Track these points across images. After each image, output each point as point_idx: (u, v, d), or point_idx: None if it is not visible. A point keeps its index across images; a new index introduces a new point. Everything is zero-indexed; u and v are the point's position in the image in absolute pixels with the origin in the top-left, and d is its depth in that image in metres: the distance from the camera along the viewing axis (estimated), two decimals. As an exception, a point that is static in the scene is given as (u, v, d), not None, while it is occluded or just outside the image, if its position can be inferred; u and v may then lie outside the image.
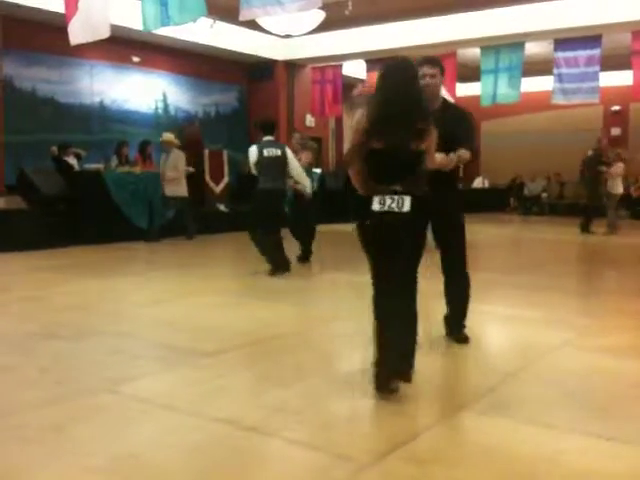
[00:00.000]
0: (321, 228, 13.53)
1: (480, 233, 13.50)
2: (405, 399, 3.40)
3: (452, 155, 4.07)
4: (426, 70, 4.17)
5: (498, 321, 5.52)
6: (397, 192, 3.34)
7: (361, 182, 3.46)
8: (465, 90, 17.11)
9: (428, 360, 4.27)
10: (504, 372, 3.89)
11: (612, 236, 11.90)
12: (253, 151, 7.32)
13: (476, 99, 14.66)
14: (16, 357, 4.18)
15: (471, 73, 16.04)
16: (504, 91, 13.81)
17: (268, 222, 7.29)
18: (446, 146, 3.95)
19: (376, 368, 3.40)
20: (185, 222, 11.18)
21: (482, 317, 5.61)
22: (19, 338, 4.64)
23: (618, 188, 12.42)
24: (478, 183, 20.79)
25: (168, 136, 11.22)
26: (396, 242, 3.42)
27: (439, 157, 3.84)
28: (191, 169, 11.65)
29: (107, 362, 4.09)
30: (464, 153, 4.18)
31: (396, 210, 3.32)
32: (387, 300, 3.43)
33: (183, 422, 3.10)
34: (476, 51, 14.41)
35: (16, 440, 2.87)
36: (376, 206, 3.35)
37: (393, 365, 3.38)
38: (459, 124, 4.30)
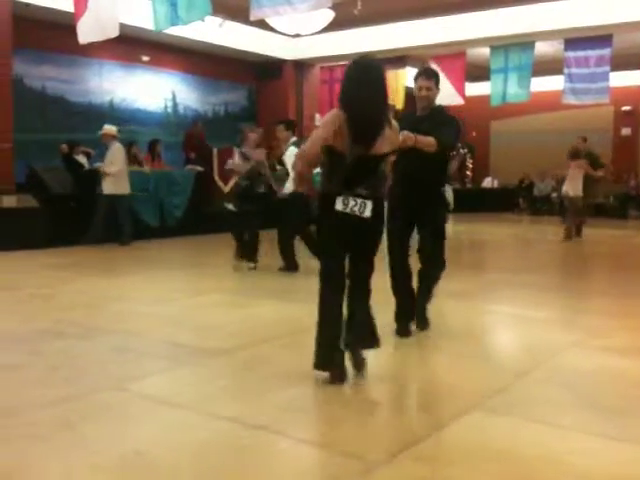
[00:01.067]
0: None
1: (489, 233, 13.46)
2: (415, 398, 3.39)
3: (406, 132, 4.10)
4: (422, 83, 4.46)
5: (507, 321, 5.49)
6: (360, 195, 3.45)
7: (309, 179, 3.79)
8: (475, 90, 17.05)
9: (438, 359, 4.26)
10: (513, 372, 3.87)
11: (569, 241, 11.11)
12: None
13: (486, 99, 14.61)
14: (25, 355, 4.19)
15: (480, 73, 15.97)
16: (514, 91, 13.75)
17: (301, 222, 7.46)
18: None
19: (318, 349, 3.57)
20: (120, 223, 10.14)
21: (491, 317, 5.60)
22: (28, 336, 4.65)
23: (576, 191, 11.21)
24: (487, 183, 20.73)
25: (107, 128, 10.34)
26: (352, 242, 3.58)
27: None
28: (199, 168, 11.64)
29: (115, 360, 4.09)
30: (425, 138, 4.24)
31: (358, 214, 3.46)
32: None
33: (190, 420, 3.09)
34: (485, 50, 14.35)
35: (25, 437, 2.87)
36: (339, 206, 3.47)
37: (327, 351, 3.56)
38: (440, 126, 4.43)
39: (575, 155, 11.19)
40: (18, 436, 2.89)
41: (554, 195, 19.33)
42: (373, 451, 2.75)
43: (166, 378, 3.78)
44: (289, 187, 7.37)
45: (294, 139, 7.74)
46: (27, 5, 10.95)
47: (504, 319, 5.53)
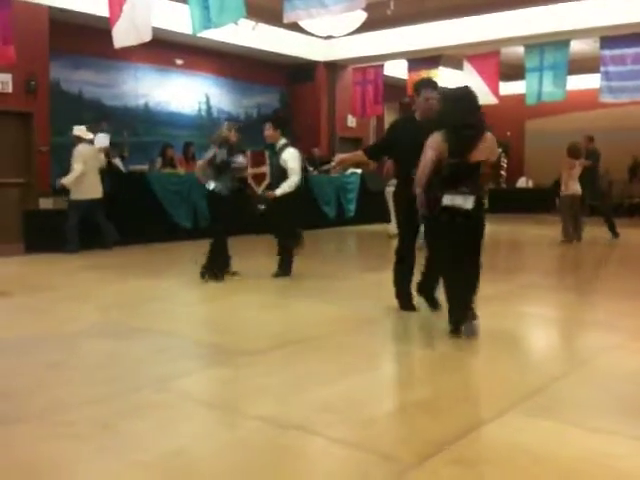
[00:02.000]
0: (360, 228, 13.53)
1: (523, 234, 13.32)
2: (452, 399, 3.38)
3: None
4: (430, 94, 5.06)
5: (542, 323, 5.44)
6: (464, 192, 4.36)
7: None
8: (509, 89, 16.89)
9: (473, 361, 4.24)
10: (550, 374, 3.83)
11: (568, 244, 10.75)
12: (297, 155, 7.29)
13: (520, 98, 14.46)
14: (66, 354, 4.27)
15: (514, 72, 15.82)
16: (549, 89, 13.59)
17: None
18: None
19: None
20: (102, 229, 9.76)
21: (526, 319, 5.55)
22: (69, 336, 4.75)
23: (568, 189, 10.85)
24: (522, 183, 20.50)
25: (77, 129, 9.88)
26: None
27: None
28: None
29: (153, 360, 4.16)
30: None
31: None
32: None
33: (227, 419, 3.13)
34: (520, 49, 14.21)
35: (65, 436, 2.93)
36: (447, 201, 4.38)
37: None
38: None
39: (578, 153, 10.95)
40: (58, 435, 2.95)
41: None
42: (407, 452, 2.75)
43: (204, 377, 3.83)
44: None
45: (284, 141, 7.27)
46: (62, 11, 11.16)
47: (541, 321, 5.48)
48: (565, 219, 11.00)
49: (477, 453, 2.78)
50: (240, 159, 7.38)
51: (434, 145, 4.46)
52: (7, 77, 10.60)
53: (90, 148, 9.87)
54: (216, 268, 6.98)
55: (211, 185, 7.17)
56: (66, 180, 9.51)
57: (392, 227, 8.61)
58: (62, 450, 2.80)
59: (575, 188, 10.83)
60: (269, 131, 7.28)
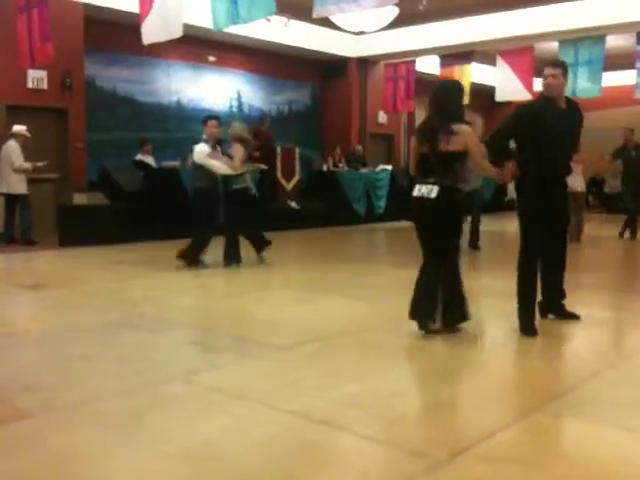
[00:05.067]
0: (389, 225, 13.46)
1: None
2: (482, 397, 3.34)
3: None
4: (548, 71, 4.64)
5: (580, 322, 5.33)
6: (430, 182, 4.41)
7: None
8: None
9: (506, 357, 4.19)
10: (585, 373, 3.77)
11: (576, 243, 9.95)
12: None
13: (554, 94, 14.24)
14: (97, 347, 4.33)
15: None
16: (584, 85, 13.35)
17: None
18: None
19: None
20: (23, 222, 9.98)
21: (557, 320, 5.45)
22: (100, 329, 4.81)
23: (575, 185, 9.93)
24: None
25: (15, 128, 10.11)
26: None
27: None
28: (262, 166, 11.59)
29: (183, 353, 4.19)
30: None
31: None
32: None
33: (256, 413, 3.13)
34: (554, 45, 14.00)
35: (95, 426, 2.97)
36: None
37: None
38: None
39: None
40: (88, 424, 2.99)
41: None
42: (436, 449, 2.72)
43: (233, 371, 3.84)
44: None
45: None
46: (96, 8, 11.28)
47: (580, 320, 5.38)
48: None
49: (507, 451, 2.74)
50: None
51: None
52: (42, 74, 10.76)
53: None
54: (235, 256, 7.49)
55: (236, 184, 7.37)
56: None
57: None
58: (93, 440, 2.83)
59: (575, 185, 9.92)
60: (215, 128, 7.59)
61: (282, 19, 12.79)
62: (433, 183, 4.34)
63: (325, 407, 3.18)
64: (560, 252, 4.81)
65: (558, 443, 2.78)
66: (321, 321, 5.08)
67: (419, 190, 4.40)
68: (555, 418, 3.09)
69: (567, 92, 14.43)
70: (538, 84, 15.29)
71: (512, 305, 4.57)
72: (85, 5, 11.20)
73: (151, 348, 4.33)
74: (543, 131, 4.50)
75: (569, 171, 4.82)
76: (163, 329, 4.79)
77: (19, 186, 9.97)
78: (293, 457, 2.69)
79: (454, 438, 2.86)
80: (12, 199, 10.03)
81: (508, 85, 14.23)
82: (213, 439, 2.81)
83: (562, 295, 4.91)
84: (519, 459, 2.65)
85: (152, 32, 9.16)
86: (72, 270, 7.91)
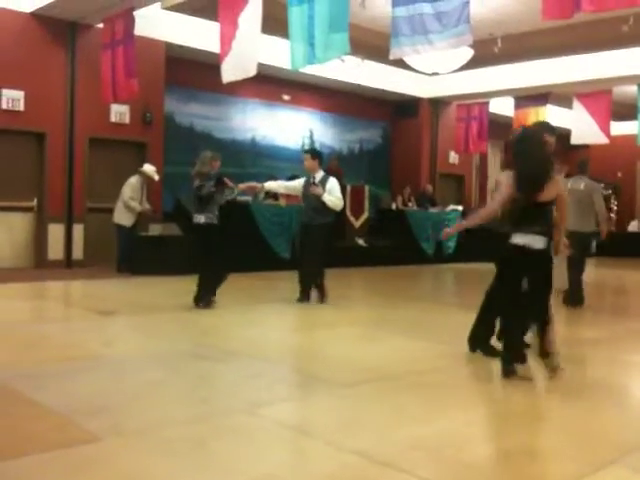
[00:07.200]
0: (459, 266, 13.27)
1: (632, 279, 12.67)
2: (549, 448, 3.24)
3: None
4: (548, 138, 4.68)
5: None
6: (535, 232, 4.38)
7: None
8: (621, 129, 16.31)
9: (573, 409, 4.05)
10: (660, 428, 3.60)
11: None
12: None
13: (632, 138, 13.92)
14: (167, 373, 4.42)
15: (626, 111, 15.26)
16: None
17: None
18: None
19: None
20: None
21: (633, 367, 5.25)
22: (170, 356, 4.91)
23: None
24: (633, 227, 19.59)
25: (145, 166, 10.84)
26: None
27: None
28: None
29: (247, 384, 4.23)
30: None
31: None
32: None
33: (319, 450, 3.12)
34: (632, 88, 13.71)
35: (162, 452, 3.02)
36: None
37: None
38: None
39: None
40: (156, 449, 3.04)
41: None
42: (504, 498, 2.64)
43: (297, 406, 3.85)
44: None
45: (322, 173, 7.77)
46: (179, 47, 11.75)
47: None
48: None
49: (578, 505, 2.64)
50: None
51: (509, 182, 4.49)
52: (125, 108, 11.25)
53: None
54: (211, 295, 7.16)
55: (201, 218, 7.18)
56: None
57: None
58: (160, 465, 2.87)
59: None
60: (308, 161, 7.66)
61: (355, 59, 13.00)
62: (538, 233, 4.37)
63: (388, 448, 3.13)
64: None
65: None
66: (387, 360, 5.04)
67: (522, 238, 4.39)
68: (629, 473, 2.95)
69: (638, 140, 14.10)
70: (615, 128, 15.06)
71: (584, 353, 4.42)
72: (167, 44, 11.70)
73: (217, 378, 4.39)
74: None
75: None
76: (230, 359, 4.85)
77: (121, 217, 10.50)
78: (355, 496, 2.65)
79: (521, 487, 2.77)
80: (116, 228, 10.56)
81: (584, 128, 13.99)
82: (276, 472, 2.82)
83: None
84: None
85: (230, 71, 9.48)
86: (144, 297, 8.12)
